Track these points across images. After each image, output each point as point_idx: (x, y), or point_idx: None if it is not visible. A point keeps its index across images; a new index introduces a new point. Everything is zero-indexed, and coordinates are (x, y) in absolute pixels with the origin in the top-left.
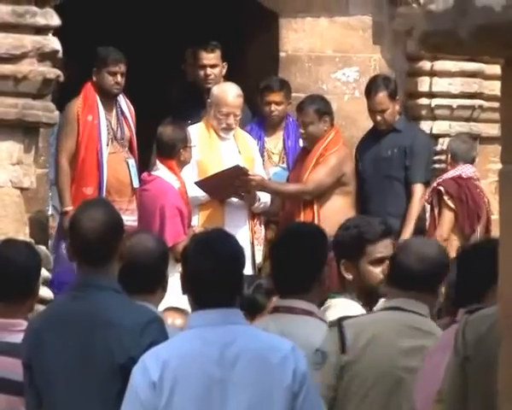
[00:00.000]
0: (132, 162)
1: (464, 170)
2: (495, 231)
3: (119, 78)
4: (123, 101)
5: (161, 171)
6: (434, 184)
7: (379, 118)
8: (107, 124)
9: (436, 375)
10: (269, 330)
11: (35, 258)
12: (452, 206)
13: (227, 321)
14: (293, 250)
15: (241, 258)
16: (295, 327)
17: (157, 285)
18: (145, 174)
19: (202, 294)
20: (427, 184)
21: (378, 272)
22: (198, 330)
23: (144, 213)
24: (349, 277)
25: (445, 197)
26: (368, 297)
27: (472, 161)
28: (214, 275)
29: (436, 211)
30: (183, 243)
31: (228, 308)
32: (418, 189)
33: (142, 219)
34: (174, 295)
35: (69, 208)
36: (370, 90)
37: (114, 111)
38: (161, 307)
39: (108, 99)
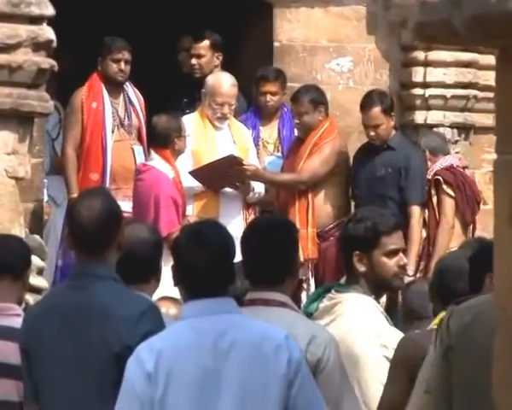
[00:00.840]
0: (139, 149)
1: (451, 160)
2: (489, 221)
3: (122, 65)
4: (131, 90)
5: (156, 161)
6: (430, 176)
7: (372, 133)
8: (112, 111)
9: None
10: None
11: (25, 249)
12: (452, 194)
13: (220, 311)
14: (267, 242)
15: (232, 247)
16: (274, 319)
17: (151, 275)
18: (140, 164)
19: (194, 284)
20: (423, 205)
21: (392, 264)
22: (191, 321)
23: (139, 202)
24: (362, 269)
25: (444, 186)
26: (379, 289)
27: (448, 153)
28: (205, 265)
29: (435, 201)
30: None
31: (220, 298)
32: (416, 210)
33: (137, 209)
34: (168, 284)
35: (75, 196)
36: (365, 104)
37: (122, 99)
38: (155, 296)
39: (114, 87)
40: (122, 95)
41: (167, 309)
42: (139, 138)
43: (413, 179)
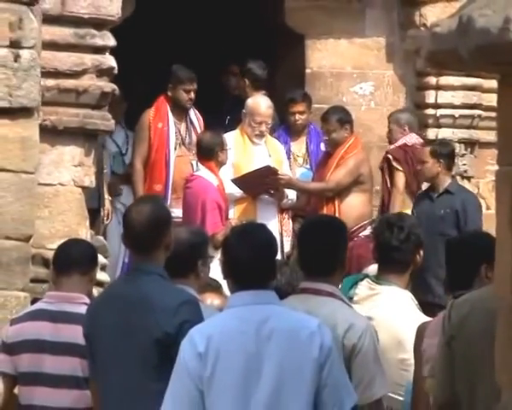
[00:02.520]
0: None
1: (409, 139)
2: (492, 225)
3: (192, 94)
4: (192, 112)
5: (202, 171)
6: (384, 154)
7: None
8: (175, 131)
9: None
10: (297, 309)
11: (91, 252)
12: (400, 168)
13: (262, 301)
14: (320, 238)
15: (275, 245)
16: (320, 307)
17: (189, 271)
18: (188, 175)
19: (241, 277)
20: None
21: None
22: (237, 310)
23: (188, 207)
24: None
25: (394, 163)
26: None
27: (414, 132)
28: (252, 260)
29: (387, 176)
30: (222, 232)
31: (263, 290)
32: None
33: (187, 213)
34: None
35: None
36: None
37: (184, 121)
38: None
39: (179, 110)
40: (185, 117)
41: (212, 300)
42: None
43: (470, 219)
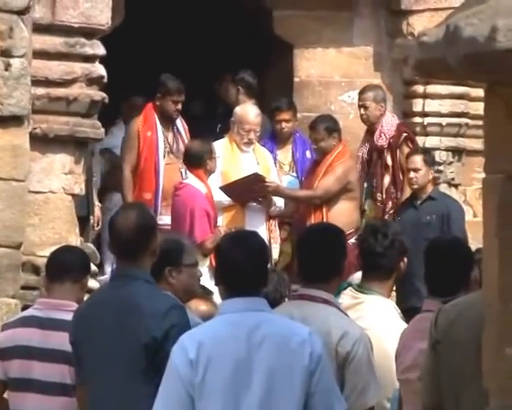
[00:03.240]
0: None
1: (392, 118)
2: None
3: (179, 105)
4: (178, 120)
5: (190, 179)
6: (394, 130)
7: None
8: (163, 139)
9: (406, 356)
10: (293, 315)
11: (84, 259)
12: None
13: (254, 308)
14: (316, 245)
15: (267, 252)
16: (315, 314)
17: (157, 278)
18: (177, 183)
19: (233, 283)
20: None
21: None
22: (228, 316)
23: (177, 215)
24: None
25: (409, 142)
26: None
27: None
28: (245, 266)
29: (400, 154)
30: (210, 239)
31: (254, 297)
32: None
33: (175, 221)
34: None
35: None
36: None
37: (171, 129)
38: None
39: (166, 119)
40: (171, 125)
41: (196, 307)
42: None
43: (455, 224)
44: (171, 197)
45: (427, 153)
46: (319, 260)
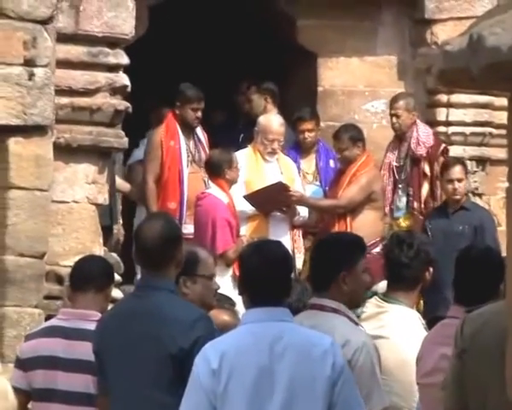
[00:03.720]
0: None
1: (425, 128)
2: (503, 240)
3: (199, 113)
4: (199, 129)
5: (212, 189)
6: (432, 141)
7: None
8: (186, 148)
9: (427, 360)
10: (303, 325)
11: (108, 269)
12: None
13: (276, 318)
14: (324, 254)
15: (291, 262)
16: (322, 323)
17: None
18: (199, 193)
19: (256, 293)
20: None
21: None
22: (251, 326)
23: (199, 225)
24: None
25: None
26: None
27: None
28: (268, 276)
29: (438, 167)
30: (233, 249)
31: (277, 307)
32: None
33: (198, 231)
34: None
35: None
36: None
37: (192, 138)
38: None
39: (187, 128)
40: (192, 134)
41: (216, 317)
42: None
43: (488, 234)
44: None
45: (464, 163)
46: (322, 268)
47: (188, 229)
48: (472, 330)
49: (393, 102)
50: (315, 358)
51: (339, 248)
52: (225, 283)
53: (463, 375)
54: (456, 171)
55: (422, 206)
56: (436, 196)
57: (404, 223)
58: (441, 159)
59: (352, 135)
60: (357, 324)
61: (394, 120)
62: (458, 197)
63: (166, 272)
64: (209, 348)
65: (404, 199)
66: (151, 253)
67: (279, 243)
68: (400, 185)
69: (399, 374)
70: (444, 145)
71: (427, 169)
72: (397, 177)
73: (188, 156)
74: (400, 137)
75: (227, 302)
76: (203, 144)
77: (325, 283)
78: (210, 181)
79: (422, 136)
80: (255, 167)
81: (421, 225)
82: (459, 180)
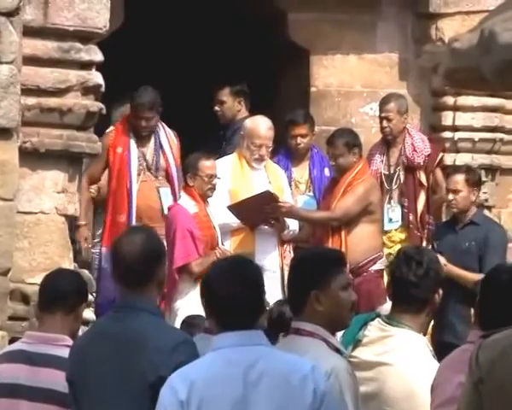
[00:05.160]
0: (165, 191)
1: (418, 132)
2: None
3: (143, 123)
4: (163, 133)
5: (182, 198)
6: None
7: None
8: (138, 155)
9: (445, 388)
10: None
11: (80, 285)
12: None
13: (250, 342)
14: (293, 274)
15: (263, 282)
16: (297, 348)
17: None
18: (171, 204)
19: (227, 317)
20: None
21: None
22: (223, 352)
23: (167, 238)
24: None
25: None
26: None
27: None
28: (239, 298)
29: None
30: (197, 262)
31: (251, 330)
32: None
33: (166, 244)
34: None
35: (81, 223)
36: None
37: (151, 143)
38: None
39: (139, 135)
40: (153, 139)
41: None
42: (168, 179)
43: (492, 250)
44: (148, 218)
45: (471, 171)
46: (292, 290)
47: None
48: (489, 357)
49: (384, 103)
50: (294, 385)
51: (309, 265)
52: (192, 299)
53: (480, 407)
54: (455, 180)
55: (418, 219)
56: (430, 208)
57: (396, 237)
58: (439, 170)
59: (347, 140)
60: (337, 349)
61: (385, 123)
62: (455, 210)
63: (147, 291)
64: (176, 377)
65: (398, 210)
66: (130, 270)
67: (248, 261)
68: (392, 196)
69: (404, 405)
70: (442, 154)
71: (423, 179)
72: (387, 186)
73: (140, 164)
74: (389, 143)
75: (198, 320)
76: (164, 150)
77: (299, 304)
78: (182, 190)
79: (418, 143)
80: (240, 176)
81: (417, 241)
82: (455, 191)
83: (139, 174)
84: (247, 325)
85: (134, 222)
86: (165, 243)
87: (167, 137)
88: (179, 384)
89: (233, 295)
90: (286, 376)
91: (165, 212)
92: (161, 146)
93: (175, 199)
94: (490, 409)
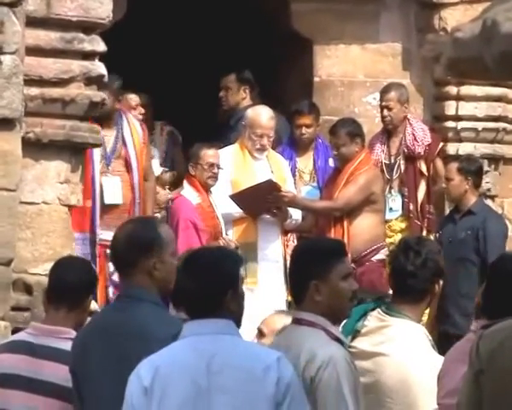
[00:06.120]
0: (114, 180)
1: (418, 123)
2: None
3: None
4: (126, 123)
5: (185, 189)
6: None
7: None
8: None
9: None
10: (279, 343)
11: (89, 275)
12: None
13: (215, 331)
14: (293, 264)
15: (227, 270)
16: (297, 338)
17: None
18: (175, 194)
19: (190, 306)
20: None
21: None
22: (189, 340)
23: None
24: None
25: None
26: None
27: None
28: (196, 288)
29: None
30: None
31: (219, 319)
32: None
33: None
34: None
35: None
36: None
37: (114, 131)
38: None
39: (107, 121)
40: (116, 128)
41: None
42: (128, 170)
43: (490, 242)
44: (106, 208)
45: (466, 160)
46: (293, 280)
47: (103, 235)
48: (489, 348)
49: (384, 92)
50: (256, 376)
51: (308, 255)
52: None
53: (480, 398)
54: (447, 169)
55: (419, 209)
56: (431, 198)
57: (397, 226)
58: (438, 158)
59: (349, 130)
60: (338, 338)
61: (385, 112)
62: (449, 198)
63: (135, 279)
64: (144, 364)
65: (398, 199)
66: (117, 255)
67: (214, 250)
68: (393, 185)
69: (402, 396)
70: (442, 144)
71: (423, 168)
72: (387, 176)
73: (101, 152)
74: (389, 132)
75: None
76: (125, 140)
77: (299, 294)
78: (185, 180)
79: (419, 132)
80: (242, 165)
81: (417, 231)
82: (448, 179)
83: (100, 161)
84: (214, 313)
85: (98, 208)
86: (107, 234)
87: (130, 126)
88: (144, 370)
89: (190, 285)
90: (249, 365)
91: (106, 202)
92: (122, 135)
93: (132, 190)
94: (490, 400)
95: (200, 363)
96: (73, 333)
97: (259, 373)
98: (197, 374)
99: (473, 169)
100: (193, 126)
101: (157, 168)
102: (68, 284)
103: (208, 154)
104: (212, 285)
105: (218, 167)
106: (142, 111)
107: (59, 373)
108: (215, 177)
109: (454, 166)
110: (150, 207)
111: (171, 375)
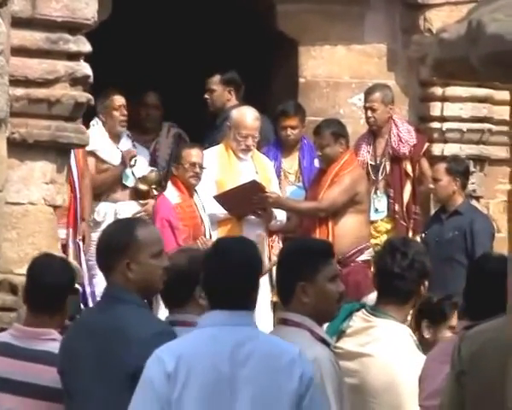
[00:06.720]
0: None
1: (403, 123)
2: (504, 248)
3: None
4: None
5: (168, 189)
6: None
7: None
8: None
9: (433, 379)
10: None
11: (68, 275)
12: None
13: (238, 323)
14: (279, 266)
15: (255, 262)
16: (283, 338)
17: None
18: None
19: (215, 296)
20: None
21: None
22: (209, 330)
23: None
24: None
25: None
26: None
27: None
28: (225, 279)
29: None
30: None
31: (241, 311)
32: None
33: None
34: None
35: None
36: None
37: None
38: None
39: None
40: None
41: None
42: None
43: (478, 242)
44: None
45: (454, 161)
46: (281, 280)
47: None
48: (470, 349)
49: (369, 93)
50: (281, 367)
51: (296, 256)
52: None
53: (463, 399)
54: (435, 170)
55: (404, 209)
56: (416, 199)
57: (382, 227)
58: (423, 159)
59: (334, 130)
60: (323, 340)
61: (369, 113)
62: (436, 199)
63: (111, 280)
64: (163, 350)
65: (384, 200)
66: (97, 257)
67: (244, 240)
68: (379, 186)
69: (387, 396)
70: (427, 144)
71: (409, 169)
72: (373, 177)
73: None
74: (375, 133)
75: None
76: None
77: (286, 295)
78: (169, 180)
79: (404, 133)
80: (227, 166)
81: (403, 232)
82: (435, 180)
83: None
84: (236, 304)
85: (79, 203)
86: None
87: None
88: (167, 356)
89: (219, 274)
90: (273, 358)
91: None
92: None
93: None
94: (471, 401)
95: (224, 352)
96: (55, 333)
97: (284, 366)
98: (221, 363)
99: (461, 170)
100: (193, 126)
101: (145, 168)
102: (45, 285)
103: (190, 153)
104: (244, 277)
105: (201, 167)
106: (125, 112)
107: (42, 374)
108: (197, 176)
109: (442, 166)
110: (88, 202)
111: (195, 362)
